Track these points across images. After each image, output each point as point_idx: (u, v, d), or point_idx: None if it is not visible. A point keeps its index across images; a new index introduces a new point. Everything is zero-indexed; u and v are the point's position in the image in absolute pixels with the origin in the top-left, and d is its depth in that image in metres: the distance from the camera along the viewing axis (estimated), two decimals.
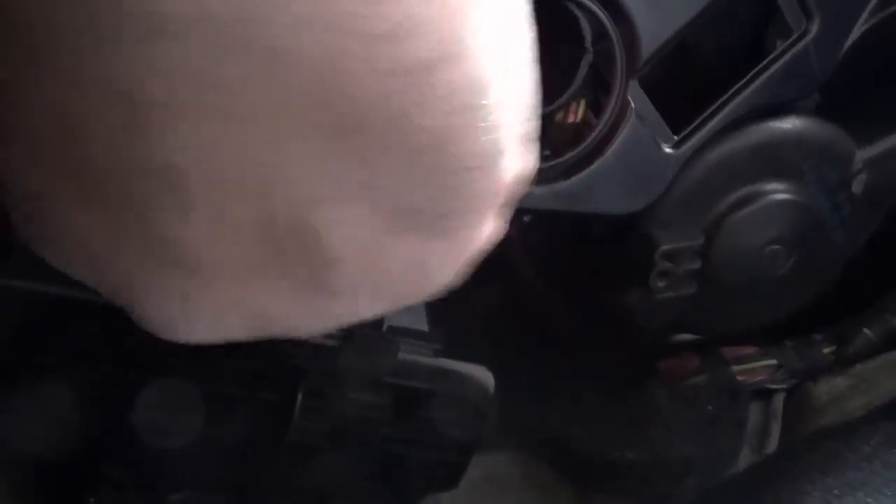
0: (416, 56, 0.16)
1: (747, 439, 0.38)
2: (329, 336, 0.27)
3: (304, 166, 0.16)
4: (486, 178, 0.18)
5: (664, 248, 0.32)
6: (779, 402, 0.39)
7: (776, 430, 0.38)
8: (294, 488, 0.31)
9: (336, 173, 0.17)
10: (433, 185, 0.17)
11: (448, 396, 0.29)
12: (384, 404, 0.29)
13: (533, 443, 0.40)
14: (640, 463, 0.38)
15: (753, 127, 0.31)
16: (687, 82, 0.31)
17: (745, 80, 0.30)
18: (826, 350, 0.38)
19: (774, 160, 0.32)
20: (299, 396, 0.28)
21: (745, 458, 0.38)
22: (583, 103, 0.28)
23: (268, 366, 0.27)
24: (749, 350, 0.39)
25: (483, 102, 0.17)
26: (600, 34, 0.27)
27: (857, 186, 0.34)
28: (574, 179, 0.28)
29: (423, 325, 0.29)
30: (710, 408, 0.38)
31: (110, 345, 0.26)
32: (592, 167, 0.28)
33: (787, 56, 0.30)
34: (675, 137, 0.30)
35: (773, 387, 0.39)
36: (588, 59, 0.27)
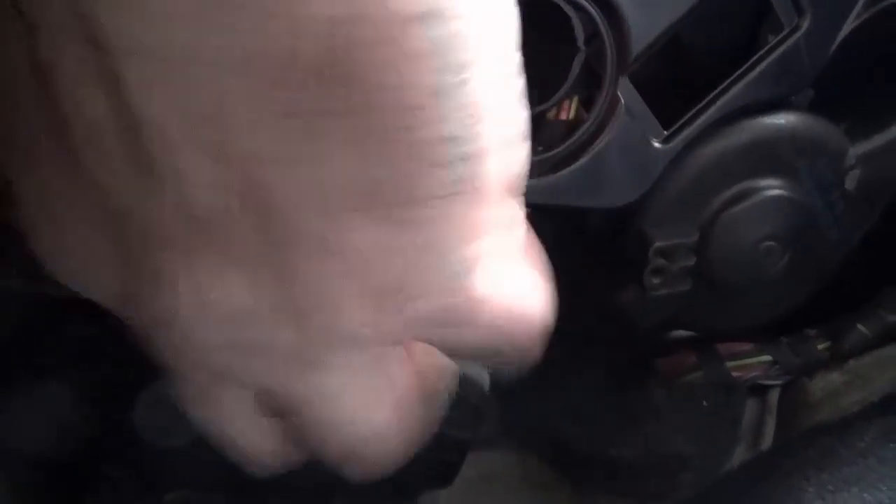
0: (404, 8, 0.15)
1: (743, 435, 0.38)
2: None
3: (264, 124, 0.15)
4: (463, 166, 0.16)
5: (658, 244, 0.32)
6: (774, 398, 0.39)
7: (771, 425, 0.38)
8: (291, 487, 0.31)
9: (297, 133, 0.15)
10: (401, 163, 0.16)
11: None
12: None
13: (529, 440, 0.40)
14: (636, 460, 0.38)
15: (746, 123, 0.31)
16: (678, 78, 0.31)
17: (735, 75, 0.30)
18: (821, 346, 0.38)
19: (767, 156, 0.32)
20: None
21: (740, 454, 0.38)
22: (575, 100, 0.29)
23: None
24: (744, 346, 0.39)
25: (464, 76, 0.16)
26: (593, 33, 0.27)
27: (850, 182, 0.34)
28: (563, 173, 0.28)
29: None
30: (705, 404, 0.38)
31: (110, 345, 0.26)
32: (581, 161, 0.28)
33: (779, 51, 0.30)
34: (665, 133, 0.30)
35: (769, 383, 0.39)
36: (580, 58, 0.27)
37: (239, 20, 0.14)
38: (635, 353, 0.39)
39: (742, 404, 0.38)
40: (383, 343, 0.18)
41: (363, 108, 0.15)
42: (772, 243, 0.33)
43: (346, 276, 0.17)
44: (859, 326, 0.37)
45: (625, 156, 0.29)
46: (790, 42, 0.30)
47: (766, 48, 0.30)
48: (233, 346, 0.18)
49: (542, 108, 0.27)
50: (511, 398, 0.37)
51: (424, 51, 0.15)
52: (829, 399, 0.36)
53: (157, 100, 0.15)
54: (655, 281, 0.32)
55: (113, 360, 0.27)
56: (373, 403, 0.19)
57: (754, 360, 0.38)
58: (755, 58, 0.30)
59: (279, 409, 0.19)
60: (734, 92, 0.30)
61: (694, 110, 0.30)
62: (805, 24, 0.30)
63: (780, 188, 0.32)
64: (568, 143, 0.28)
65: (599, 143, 0.28)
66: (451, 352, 0.20)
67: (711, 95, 0.30)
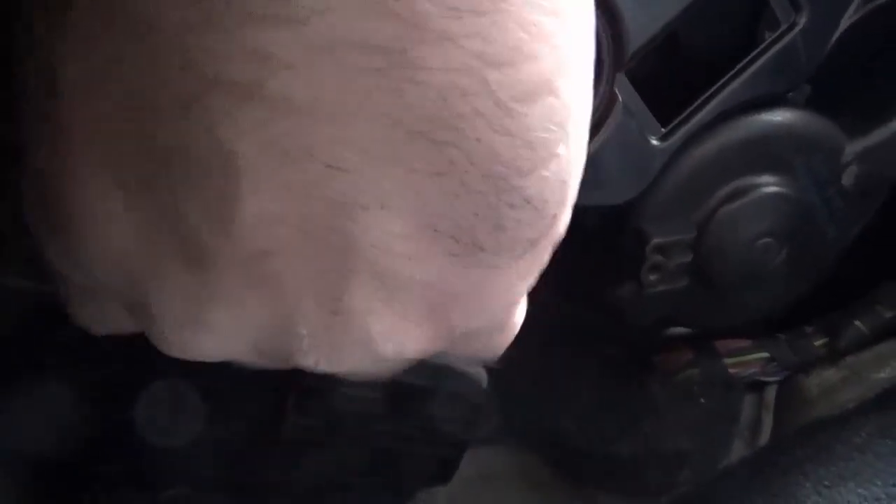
0: (522, 84, 0.15)
1: (740, 432, 0.38)
2: None
3: (361, 170, 0.15)
4: (536, 222, 0.17)
5: (655, 241, 0.32)
6: (771, 394, 0.39)
7: (768, 422, 0.38)
8: (288, 484, 0.31)
9: (391, 182, 0.15)
10: (486, 216, 0.16)
11: (442, 392, 0.29)
12: (377, 399, 0.29)
13: (527, 438, 0.40)
14: (634, 456, 0.38)
15: (743, 120, 0.31)
16: (676, 75, 0.31)
17: (733, 72, 0.30)
18: (818, 342, 0.38)
19: (764, 153, 0.32)
20: (292, 392, 0.28)
21: (737, 451, 0.38)
22: None
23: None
24: (742, 343, 0.39)
25: (560, 152, 0.16)
26: None
27: (847, 179, 0.34)
28: None
29: None
30: (703, 401, 0.38)
31: (110, 345, 0.26)
32: None
33: (776, 48, 0.30)
34: (663, 130, 0.30)
35: (766, 379, 0.39)
36: None
37: (377, 80, 0.14)
38: (633, 351, 0.39)
39: (739, 401, 0.38)
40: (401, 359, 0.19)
41: (463, 169, 0.15)
42: (769, 240, 0.33)
43: (402, 311, 0.17)
44: (856, 323, 0.37)
45: (622, 153, 0.29)
46: (787, 39, 0.30)
47: (763, 45, 0.30)
48: (262, 354, 0.18)
49: None
50: (509, 396, 0.37)
51: (532, 126, 0.16)
52: (826, 395, 0.37)
53: (243, 134, 0.15)
54: (653, 278, 0.32)
55: (113, 360, 0.27)
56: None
57: (752, 356, 0.38)
58: (752, 55, 0.30)
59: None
60: (731, 89, 0.30)
61: (691, 107, 0.30)
62: (802, 21, 0.30)
63: (777, 185, 0.32)
64: None
65: (597, 141, 0.28)
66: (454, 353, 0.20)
67: (709, 92, 0.30)
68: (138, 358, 0.26)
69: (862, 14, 0.31)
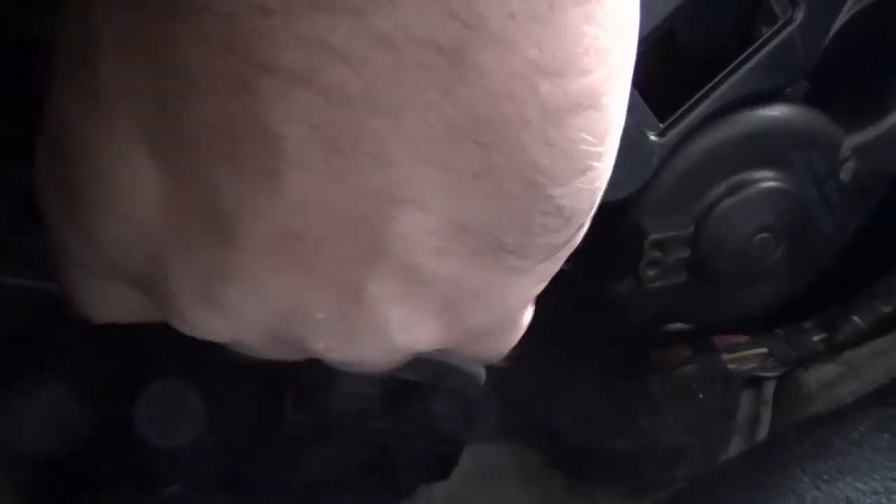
0: (573, 94, 0.15)
1: (738, 427, 0.38)
2: None
3: (403, 165, 0.15)
4: (563, 230, 0.17)
5: (653, 237, 0.32)
6: (769, 389, 0.39)
7: (766, 417, 0.38)
8: (287, 482, 0.31)
9: (430, 180, 0.15)
10: (517, 221, 0.16)
11: (439, 388, 0.29)
12: (375, 396, 0.29)
13: (525, 434, 0.40)
14: (632, 452, 0.38)
15: (740, 115, 0.31)
16: (673, 70, 0.31)
17: (730, 67, 0.30)
18: (816, 338, 0.38)
19: (762, 148, 0.32)
20: (290, 390, 0.28)
21: (736, 446, 0.38)
22: None
23: (259, 360, 0.27)
24: (740, 339, 0.39)
25: (595, 164, 0.17)
26: None
27: (845, 174, 0.34)
28: None
29: None
30: (701, 396, 0.38)
31: (110, 344, 0.26)
32: None
33: (773, 43, 0.30)
34: (661, 125, 0.30)
35: (764, 375, 0.39)
36: None
37: (430, 80, 0.15)
38: (631, 347, 0.39)
39: (738, 396, 0.38)
40: (411, 351, 0.19)
41: (502, 173, 0.16)
42: (767, 235, 0.33)
43: (420, 304, 0.17)
44: (854, 318, 0.37)
45: (621, 149, 0.28)
46: (784, 34, 0.30)
47: (760, 40, 0.30)
48: (274, 338, 0.18)
49: None
50: (507, 392, 0.37)
51: (574, 138, 0.16)
52: (824, 390, 0.37)
53: (292, 119, 0.15)
54: (651, 273, 0.32)
55: (113, 360, 0.27)
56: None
57: (750, 352, 0.38)
58: (750, 50, 0.30)
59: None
60: (729, 84, 0.30)
61: (689, 103, 0.30)
62: (799, 16, 0.30)
63: (774, 180, 0.32)
64: None
65: None
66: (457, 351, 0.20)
67: (706, 88, 0.30)
68: (138, 358, 0.26)
69: (859, 9, 0.31)
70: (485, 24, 0.14)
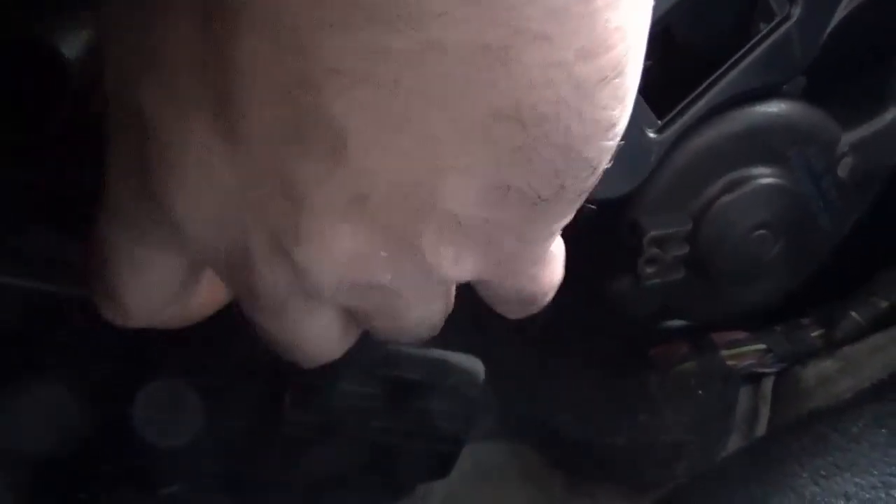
0: (603, 69, 0.17)
1: (737, 423, 0.38)
2: None
3: (452, 141, 0.18)
4: (590, 179, 0.20)
5: (652, 234, 0.32)
6: (768, 385, 0.39)
7: (765, 413, 0.38)
8: (287, 481, 0.31)
9: (476, 151, 0.18)
10: (553, 177, 0.19)
11: (439, 387, 0.29)
12: (375, 395, 0.29)
13: (524, 431, 0.40)
14: (630, 449, 0.38)
15: (738, 111, 0.31)
16: (671, 67, 0.31)
17: (728, 64, 0.30)
18: (814, 334, 0.38)
19: (760, 145, 0.32)
20: (289, 389, 0.28)
21: (734, 442, 0.38)
22: None
23: (259, 358, 0.27)
24: (738, 335, 0.39)
25: (618, 123, 0.19)
26: None
27: (842, 170, 0.34)
28: None
29: None
30: (700, 393, 0.38)
31: (109, 344, 0.26)
32: None
33: (771, 40, 0.30)
34: (659, 122, 0.30)
35: (763, 371, 0.39)
36: None
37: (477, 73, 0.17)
38: (630, 344, 0.39)
39: (736, 392, 0.39)
40: (458, 280, 0.22)
41: (541, 143, 0.18)
42: (765, 231, 0.33)
43: (466, 243, 0.20)
44: (852, 313, 0.37)
45: (619, 146, 0.29)
46: (782, 30, 0.30)
47: (758, 37, 0.30)
48: (340, 282, 0.20)
49: None
50: (506, 390, 0.37)
51: (602, 104, 0.18)
52: (823, 386, 0.37)
53: (353, 111, 0.17)
54: (649, 270, 0.32)
55: (113, 360, 0.27)
56: (435, 313, 0.23)
57: (748, 348, 0.39)
58: (747, 46, 0.30)
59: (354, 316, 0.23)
60: (727, 81, 0.30)
61: (687, 100, 0.30)
62: (797, 13, 0.30)
63: (772, 177, 0.32)
64: None
65: None
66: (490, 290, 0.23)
67: (704, 85, 0.30)
68: (138, 358, 0.26)
69: (856, 5, 0.31)
70: (528, 25, 0.16)
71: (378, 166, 0.18)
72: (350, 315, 0.22)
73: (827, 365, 0.37)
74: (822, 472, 0.29)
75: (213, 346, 0.23)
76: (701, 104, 0.30)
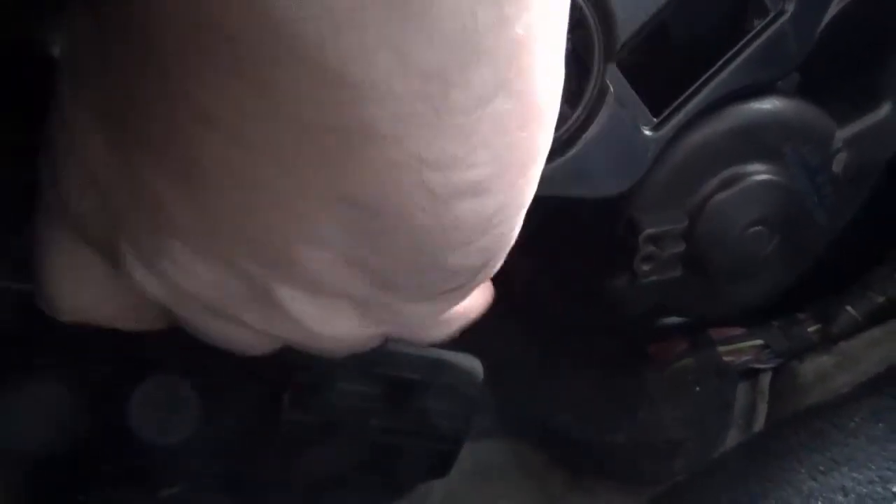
0: (460, 184, 0.17)
1: (735, 419, 0.38)
2: None
3: (310, 211, 0.18)
4: (459, 279, 0.20)
5: (648, 231, 0.32)
6: (765, 381, 0.39)
7: (763, 409, 0.38)
8: (287, 481, 0.31)
9: (332, 227, 0.18)
10: (412, 274, 0.19)
11: (438, 386, 0.29)
12: (374, 395, 0.29)
13: (523, 429, 0.40)
14: (629, 445, 0.38)
15: (733, 108, 0.31)
16: (666, 65, 0.31)
17: (722, 61, 0.30)
18: (811, 329, 0.38)
19: (755, 141, 0.32)
20: (289, 389, 0.28)
21: (732, 438, 0.38)
22: None
23: (258, 358, 0.27)
24: (736, 331, 0.39)
25: (483, 237, 0.19)
26: (579, 22, 0.27)
27: (837, 166, 0.34)
28: (554, 164, 0.28)
29: None
30: (698, 389, 0.38)
31: (107, 343, 0.26)
32: (572, 151, 0.28)
33: (765, 36, 0.30)
34: (655, 120, 0.30)
35: (760, 366, 0.39)
36: (567, 46, 0.27)
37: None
38: (627, 341, 0.39)
39: (734, 388, 0.39)
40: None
41: (395, 236, 0.18)
42: (761, 228, 0.33)
43: (333, 305, 0.20)
44: (848, 309, 0.38)
45: (615, 144, 0.29)
46: (776, 26, 0.30)
47: (752, 33, 0.30)
48: (206, 309, 0.21)
49: None
50: (505, 388, 0.37)
51: (462, 218, 0.18)
52: (820, 381, 0.37)
53: (215, 155, 0.17)
54: (646, 268, 0.32)
55: (112, 361, 0.27)
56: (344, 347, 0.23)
57: (746, 344, 0.39)
58: (742, 43, 0.30)
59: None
60: (722, 78, 0.30)
61: (683, 97, 0.30)
62: (790, 9, 0.30)
63: (768, 173, 0.33)
64: (558, 133, 0.28)
65: (589, 133, 0.28)
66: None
67: (699, 82, 0.30)
68: (137, 358, 0.26)
69: (849, 0, 0.31)
70: (375, 124, 0.16)
71: (231, 212, 0.18)
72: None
73: (824, 360, 0.37)
74: (821, 467, 0.29)
75: (212, 347, 0.23)
76: (696, 101, 0.30)
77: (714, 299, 0.36)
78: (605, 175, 0.29)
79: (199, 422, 0.27)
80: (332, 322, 0.20)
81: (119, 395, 0.26)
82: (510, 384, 0.38)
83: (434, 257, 0.19)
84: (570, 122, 0.28)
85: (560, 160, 0.28)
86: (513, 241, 0.20)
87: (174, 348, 0.26)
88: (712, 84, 0.30)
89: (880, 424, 0.30)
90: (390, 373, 0.28)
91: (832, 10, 0.31)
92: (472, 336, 0.29)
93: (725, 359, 0.38)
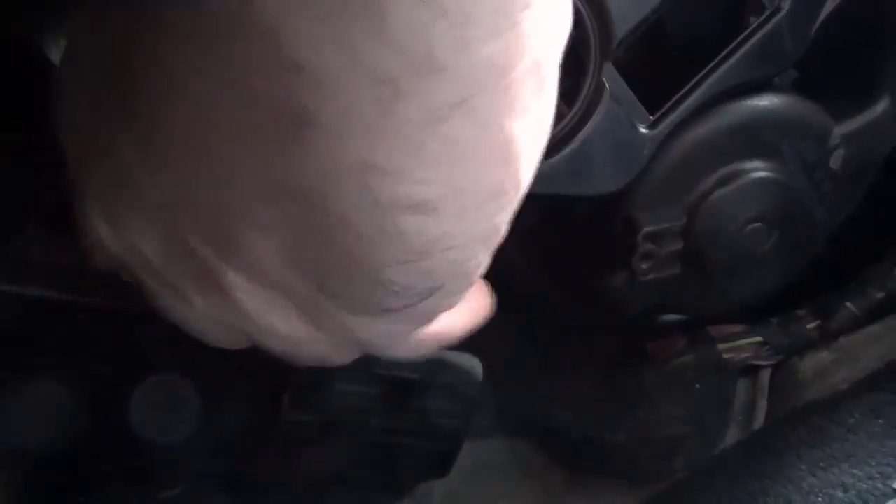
0: (404, 198, 0.17)
1: (734, 416, 0.38)
2: None
3: (249, 195, 0.18)
4: (402, 300, 0.19)
5: (646, 229, 0.32)
6: (765, 378, 0.39)
7: (763, 406, 0.38)
8: (287, 480, 0.31)
9: (271, 215, 0.18)
10: (348, 284, 0.19)
11: (437, 385, 0.29)
12: (374, 395, 0.29)
13: (522, 427, 0.40)
14: (629, 443, 0.38)
15: (730, 105, 0.31)
16: (662, 62, 0.31)
17: (718, 58, 0.30)
18: (810, 325, 0.38)
19: (752, 138, 0.32)
20: (288, 389, 0.28)
21: (732, 435, 0.38)
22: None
23: (257, 358, 0.27)
24: (735, 328, 0.39)
25: (428, 259, 0.18)
26: (575, 21, 0.27)
27: (835, 162, 0.34)
28: (550, 162, 0.28)
29: None
30: (697, 386, 0.38)
31: (107, 344, 0.26)
32: (568, 149, 0.28)
33: (761, 33, 0.30)
34: (652, 117, 0.30)
35: (759, 363, 0.39)
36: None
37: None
38: (626, 339, 0.39)
39: (733, 385, 0.39)
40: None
41: (330, 236, 0.18)
42: (758, 225, 0.33)
43: (277, 302, 0.20)
44: (847, 304, 0.38)
45: (612, 142, 0.29)
46: (772, 24, 0.30)
47: (748, 30, 0.30)
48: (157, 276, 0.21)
49: None
50: (504, 386, 0.37)
51: (407, 233, 0.18)
52: (819, 378, 0.37)
53: (176, 115, 0.18)
54: (644, 266, 0.32)
55: (112, 361, 0.27)
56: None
57: (745, 341, 0.39)
58: (738, 40, 0.30)
59: None
60: (718, 75, 0.30)
61: (679, 94, 0.30)
62: (786, 6, 0.30)
63: (765, 170, 0.33)
64: (554, 131, 0.28)
65: (586, 131, 0.28)
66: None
67: (696, 79, 0.30)
68: (137, 359, 0.26)
69: None
70: (321, 117, 0.16)
71: (187, 182, 0.18)
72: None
73: (823, 356, 0.37)
74: (821, 464, 0.29)
75: (213, 347, 0.23)
76: (693, 99, 0.30)
77: (713, 296, 0.36)
78: (602, 173, 0.29)
79: (199, 422, 0.27)
80: (273, 317, 0.20)
81: (119, 395, 0.26)
82: (509, 383, 0.38)
83: (370, 268, 0.18)
84: (566, 119, 0.28)
85: (556, 158, 0.28)
86: (475, 274, 0.20)
87: (174, 348, 0.26)
88: (709, 81, 0.30)
89: (879, 421, 0.30)
90: (390, 373, 0.28)
91: (828, 7, 0.31)
92: (471, 335, 0.29)
93: (725, 356, 0.38)
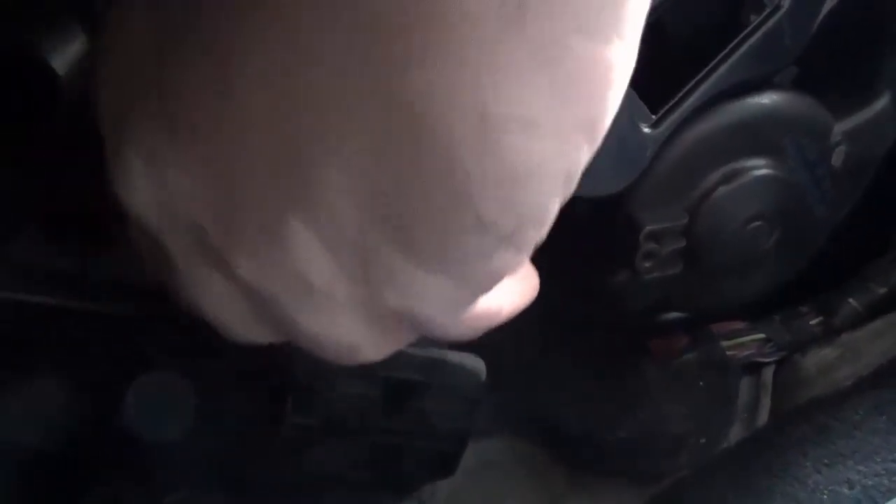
0: (513, 115, 0.16)
1: (738, 414, 0.38)
2: None
3: (337, 123, 0.16)
4: (486, 243, 0.18)
5: (648, 228, 0.32)
6: (768, 375, 0.39)
7: (766, 403, 0.38)
8: (289, 483, 0.31)
9: (358, 146, 0.17)
10: (435, 222, 0.18)
11: (440, 386, 0.29)
12: (376, 396, 0.29)
13: (525, 426, 0.40)
14: (632, 441, 0.38)
15: (731, 104, 0.31)
16: (663, 61, 0.31)
17: (720, 56, 0.30)
18: (813, 322, 0.38)
19: (753, 136, 0.32)
20: (292, 391, 0.28)
21: (736, 433, 0.38)
22: None
23: (259, 360, 0.27)
24: (737, 325, 0.39)
25: (524, 191, 0.18)
26: None
27: (836, 159, 0.34)
28: None
29: None
30: (700, 384, 0.38)
31: (106, 345, 0.26)
32: None
33: (761, 31, 0.30)
34: (653, 117, 0.30)
35: (763, 360, 0.39)
36: None
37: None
38: (629, 337, 0.39)
39: (737, 383, 0.39)
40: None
41: (428, 167, 0.17)
42: (760, 223, 0.33)
43: (338, 262, 0.19)
44: (850, 301, 0.38)
45: (613, 142, 0.28)
46: (772, 21, 0.30)
47: (748, 28, 0.30)
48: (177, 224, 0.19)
49: None
50: (506, 385, 0.37)
51: (506, 157, 0.17)
52: (823, 374, 0.37)
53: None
54: (646, 265, 0.32)
55: (112, 361, 0.27)
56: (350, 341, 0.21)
57: (748, 338, 0.39)
58: (738, 38, 0.30)
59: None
60: (719, 73, 0.30)
61: (680, 94, 0.30)
62: (787, 3, 0.30)
63: (767, 168, 0.33)
64: None
65: None
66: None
67: (697, 78, 0.30)
68: (137, 359, 0.26)
69: None
70: (449, 45, 0.15)
71: (262, 113, 0.17)
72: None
73: (827, 352, 0.37)
74: (825, 461, 0.29)
75: (214, 348, 0.23)
76: (694, 98, 0.30)
77: (715, 294, 0.36)
78: (604, 173, 0.29)
79: (200, 423, 0.27)
80: (329, 280, 0.18)
81: (119, 396, 0.26)
82: (511, 382, 0.38)
83: (465, 200, 0.17)
84: None
85: None
86: (547, 223, 0.19)
87: (175, 349, 0.26)
88: (710, 80, 0.30)
89: (883, 417, 0.30)
90: (393, 374, 0.28)
91: (829, 4, 0.31)
92: None
93: (728, 353, 0.38)
